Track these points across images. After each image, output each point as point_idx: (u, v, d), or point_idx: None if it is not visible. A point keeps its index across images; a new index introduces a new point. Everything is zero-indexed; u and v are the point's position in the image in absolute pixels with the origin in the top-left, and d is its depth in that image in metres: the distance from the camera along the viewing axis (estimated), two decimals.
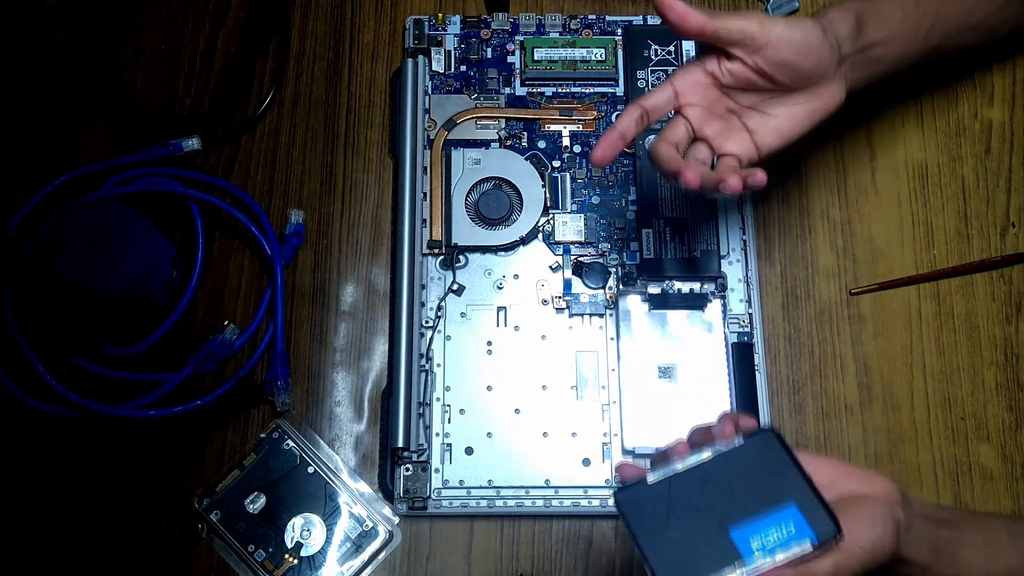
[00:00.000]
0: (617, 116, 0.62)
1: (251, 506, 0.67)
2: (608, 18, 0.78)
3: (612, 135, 0.58)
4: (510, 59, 0.77)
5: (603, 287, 0.72)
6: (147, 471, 0.69)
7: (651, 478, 0.48)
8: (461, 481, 0.67)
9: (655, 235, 0.72)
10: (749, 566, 0.45)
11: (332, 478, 0.68)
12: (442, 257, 0.72)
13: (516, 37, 0.78)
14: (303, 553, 0.66)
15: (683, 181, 0.56)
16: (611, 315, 0.71)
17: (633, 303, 0.71)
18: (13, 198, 0.73)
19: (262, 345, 0.71)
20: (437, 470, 0.68)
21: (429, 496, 0.67)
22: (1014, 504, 0.68)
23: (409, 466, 0.67)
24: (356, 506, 0.67)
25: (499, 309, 0.71)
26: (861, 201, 0.75)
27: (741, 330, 0.71)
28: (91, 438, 0.70)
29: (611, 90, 0.76)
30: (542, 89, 0.77)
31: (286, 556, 0.66)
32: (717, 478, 0.48)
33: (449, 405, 0.69)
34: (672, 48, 0.76)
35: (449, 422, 0.69)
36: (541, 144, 0.75)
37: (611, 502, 0.64)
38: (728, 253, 0.72)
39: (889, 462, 0.69)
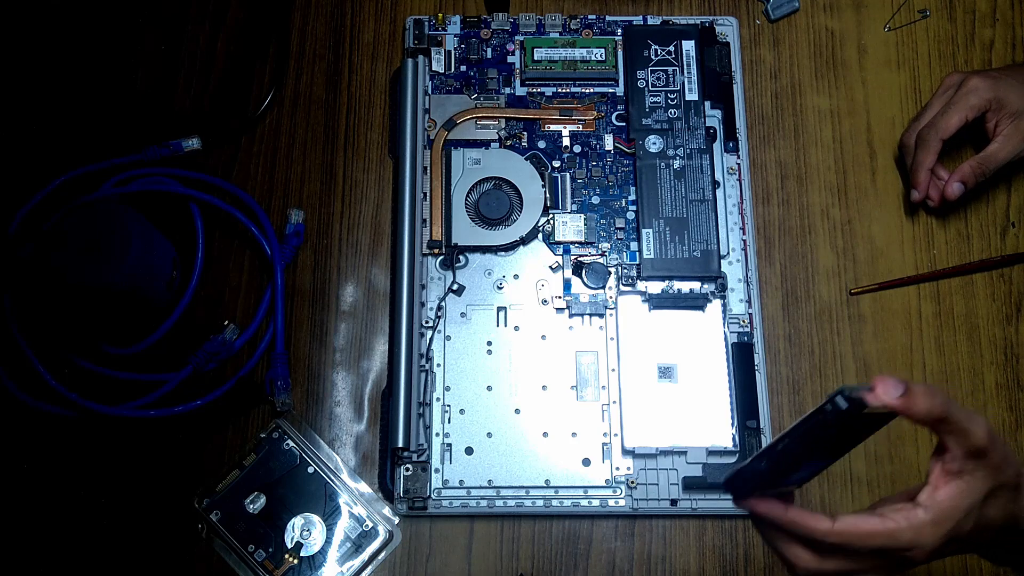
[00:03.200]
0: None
1: (251, 506, 0.67)
2: (608, 18, 0.78)
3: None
4: (510, 59, 0.77)
5: (603, 287, 0.72)
6: (147, 471, 0.69)
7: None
8: (461, 481, 0.67)
9: (655, 235, 0.72)
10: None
11: (332, 478, 0.68)
12: (442, 257, 0.72)
13: (516, 37, 0.78)
14: (303, 553, 0.66)
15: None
16: (611, 315, 0.71)
17: (633, 303, 0.71)
18: (13, 198, 0.73)
19: (262, 345, 0.71)
20: (437, 470, 0.68)
21: (429, 496, 0.67)
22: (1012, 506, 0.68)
23: (409, 466, 0.67)
24: (356, 506, 0.67)
25: (499, 309, 0.71)
26: (861, 201, 0.75)
27: (741, 330, 0.71)
28: (91, 438, 0.70)
29: (611, 90, 0.76)
30: (542, 89, 0.77)
31: (286, 556, 0.66)
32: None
33: (449, 405, 0.69)
34: (672, 48, 0.76)
35: (449, 422, 0.69)
36: (541, 144, 0.75)
37: (620, 502, 0.64)
38: (728, 253, 0.72)
39: (889, 462, 0.69)
